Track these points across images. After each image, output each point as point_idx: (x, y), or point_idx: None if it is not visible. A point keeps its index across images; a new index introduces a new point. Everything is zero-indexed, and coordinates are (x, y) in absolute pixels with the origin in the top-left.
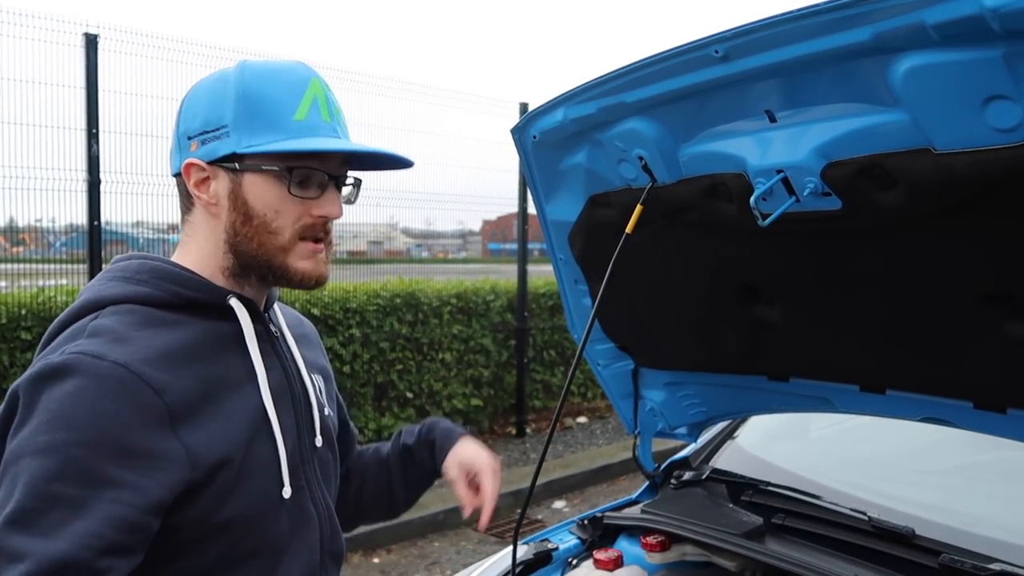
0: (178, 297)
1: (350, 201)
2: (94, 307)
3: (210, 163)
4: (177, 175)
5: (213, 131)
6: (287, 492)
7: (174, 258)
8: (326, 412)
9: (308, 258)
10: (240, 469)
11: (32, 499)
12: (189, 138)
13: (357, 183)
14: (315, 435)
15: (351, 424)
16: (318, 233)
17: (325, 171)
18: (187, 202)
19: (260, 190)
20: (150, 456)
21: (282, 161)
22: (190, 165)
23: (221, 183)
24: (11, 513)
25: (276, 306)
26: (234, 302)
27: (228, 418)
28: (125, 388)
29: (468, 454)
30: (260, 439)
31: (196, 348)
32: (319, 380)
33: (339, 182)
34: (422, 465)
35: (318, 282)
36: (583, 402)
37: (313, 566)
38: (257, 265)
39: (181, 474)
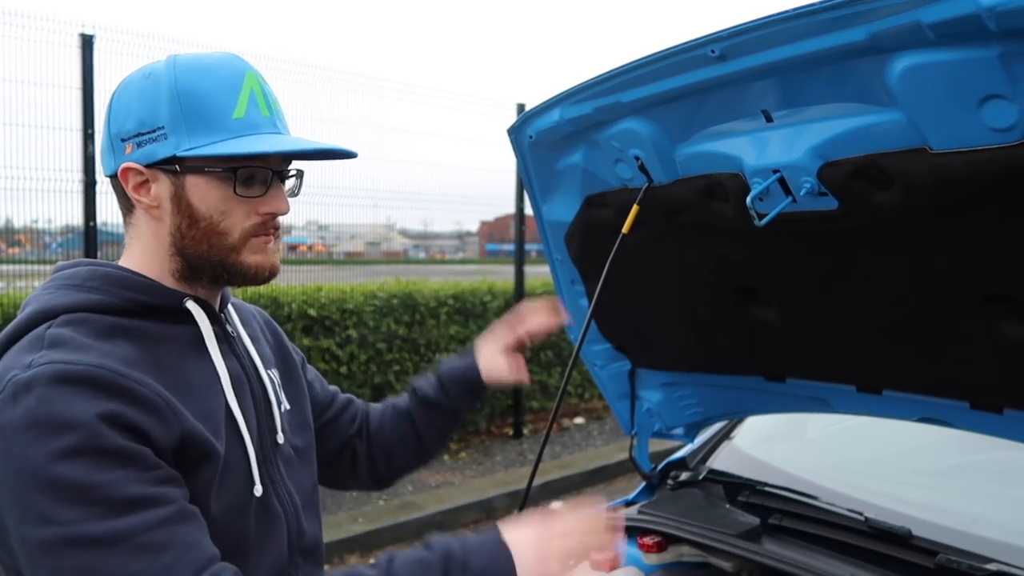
0: (133, 303)
1: (294, 194)
2: (44, 317)
3: (148, 166)
4: (112, 176)
5: (148, 132)
6: (258, 490)
7: (120, 263)
8: (284, 408)
9: (259, 251)
10: (222, 467)
11: (75, 506)
12: (123, 140)
13: (299, 174)
14: (276, 432)
15: (339, 395)
16: (267, 230)
17: (268, 168)
18: (126, 204)
19: (204, 192)
20: (151, 434)
21: (225, 162)
22: (127, 169)
23: (162, 186)
24: (75, 524)
25: (230, 305)
26: (191, 305)
27: (203, 419)
28: (108, 382)
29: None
30: (231, 439)
31: (158, 355)
32: (275, 375)
33: (282, 176)
34: (449, 405)
35: (271, 273)
36: (580, 403)
37: (281, 564)
38: (209, 266)
39: (184, 424)
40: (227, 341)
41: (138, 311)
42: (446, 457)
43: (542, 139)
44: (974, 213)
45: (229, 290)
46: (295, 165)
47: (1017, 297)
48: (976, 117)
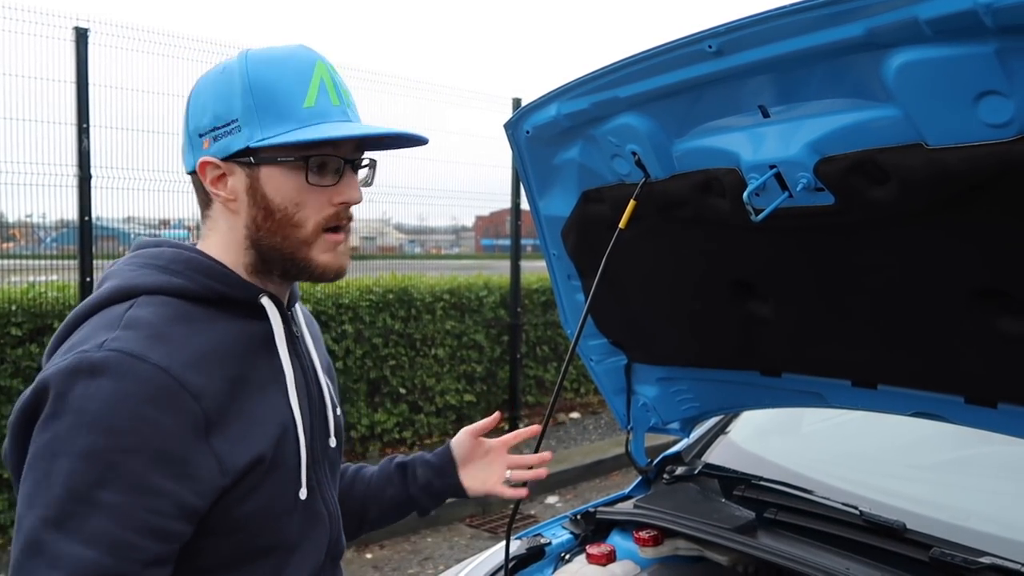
0: (212, 292)
1: (368, 183)
2: (126, 295)
3: (224, 159)
4: (192, 173)
5: (224, 126)
6: (303, 493)
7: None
8: (338, 412)
9: (329, 251)
10: (268, 469)
11: (74, 503)
12: (200, 135)
13: (372, 164)
14: (329, 435)
15: None
16: (340, 221)
17: (340, 156)
18: (204, 199)
19: (278, 183)
20: (188, 464)
21: (297, 151)
22: (205, 163)
23: (238, 179)
24: (53, 514)
25: (297, 304)
26: (266, 301)
27: (256, 420)
28: (166, 394)
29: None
30: (285, 440)
31: (228, 349)
32: (327, 381)
33: (355, 165)
34: (404, 494)
35: (338, 274)
36: (576, 398)
37: (318, 566)
38: (280, 259)
39: (214, 483)
40: (292, 341)
41: (214, 300)
42: None
43: (539, 134)
44: (970, 208)
45: (298, 289)
46: (369, 155)
47: (1012, 292)
48: (972, 113)
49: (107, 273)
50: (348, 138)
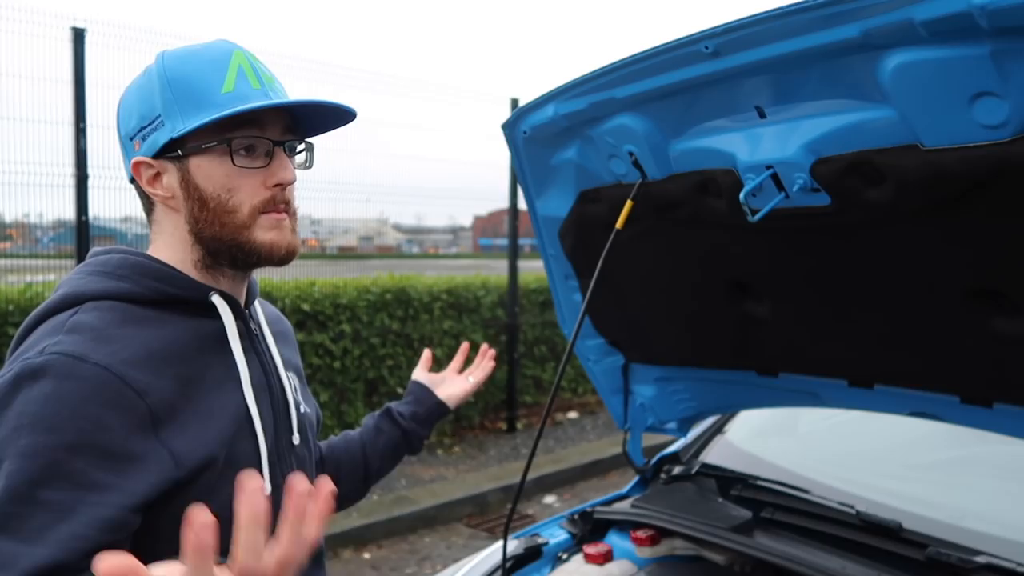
0: (160, 294)
1: (307, 166)
2: (73, 302)
3: (155, 157)
4: (132, 180)
5: (149, 124)
6: (267, 490)
7: (149, 252)
8: (303, 409)
9: (272, 229)
10: (223, 467)
11: (16, 504)
12: (131, 139)
13: (309, 147)
14: (292, 432)
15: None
16: (278, 205)
17: (268, 138)
18: (147, 202)
19: (208, 171)
20: (133, 459)
21: (218, 134)
22: (137, 164)
23: (171, 175)
24: None
25: (257, 302)
26: (216, 299)
27: (210, 417)
28: (108, 391)
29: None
30: (242, 437)
31: (177, 347)
32: (294, 378)
33: (286, 147)
34: (397, 432)
35: (288, 251)
36: (573, 397)
37: None
38: (225, 249)
39: (165, 474)
40: (249, 338)
41: (164, 302)
42: (439, 451)
43: (536, 134)
44: (965, 209)
45: (257, 286)
46: (306, 140)
47: (1007, 292)
48: (968, 114)
49: (60, 282)
50: (258, 108)
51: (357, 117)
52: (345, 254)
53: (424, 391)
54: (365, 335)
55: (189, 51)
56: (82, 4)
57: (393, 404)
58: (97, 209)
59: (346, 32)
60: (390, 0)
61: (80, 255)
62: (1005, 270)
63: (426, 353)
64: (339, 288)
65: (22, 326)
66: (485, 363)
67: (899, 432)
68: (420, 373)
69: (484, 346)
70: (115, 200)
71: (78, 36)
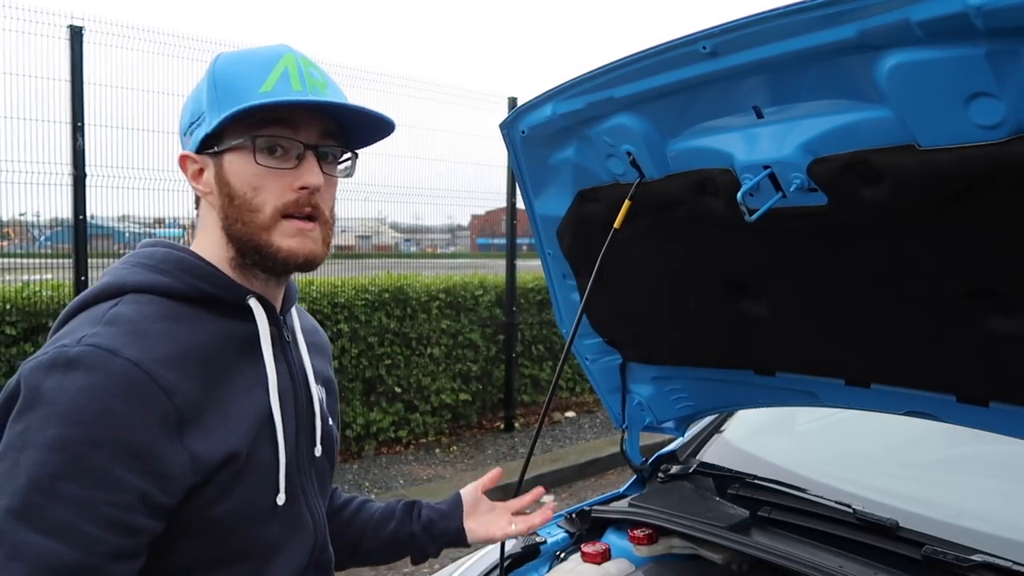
0: (198, 292)
1: (348, 174)
2: (115, 292)
3: (197, 152)
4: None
5: (196, 121)
6: (281, 499)
7: (192, 248)
8: (328, 422)
9: (294, 236)
10: (242, 468)
11: (37, 494)
12: (184, 135)
13: (353, 156)
14: (315, 444)
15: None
16: (303, 209)
17: (300, 141)
18: (196, 198)
19: (237, 168)
20: (155, 460)
21: (248, 132)
22: (183, 158)
23: (210, 170)
24: (16, 505)
25: (294, 310)
26: (253, 303)
27: (233, 418)
28: (136, 388)
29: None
30: (263, 441)
31: (209, 348)
32: (322, 391)
33: (319, 152)
34: (406, 529)
35: (307, 260)
36: (571, 397)
37: (299, 572)
38: (247, 248)
39: (185, 480)
40: (281, 344)
41: (202, 300)
42: (437, 451)
43: (534, 134)
44: (961, 209)
45: (296, 292)
46: (351, 150)
47: (1003, 292)
48: (964, 114)
49: (106, 271)
50: (280, 105)
51: (395, 128)
52: (343, 253)
53: (456, 509)
54: (363, 334)
55: (243, 52)
56: (80, 3)
57: (423, 501)
58: (94, 208)
59: (345, 32)
60: (389, 0)
61: (77, 254)
62: (1001, 269)
63: (494, 472)
64: (337, 287)
65: (65, 310)
66: (542, 512)
67: (896, 431)
68: (471, 488)
69: (548, 499)
70: (112, 199)
71: (76, 34)
